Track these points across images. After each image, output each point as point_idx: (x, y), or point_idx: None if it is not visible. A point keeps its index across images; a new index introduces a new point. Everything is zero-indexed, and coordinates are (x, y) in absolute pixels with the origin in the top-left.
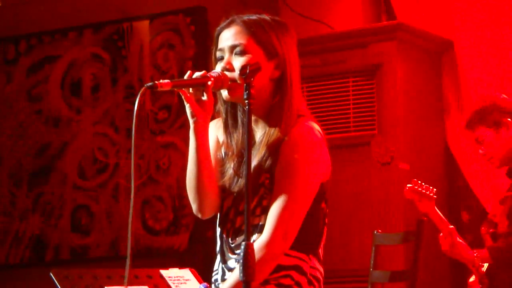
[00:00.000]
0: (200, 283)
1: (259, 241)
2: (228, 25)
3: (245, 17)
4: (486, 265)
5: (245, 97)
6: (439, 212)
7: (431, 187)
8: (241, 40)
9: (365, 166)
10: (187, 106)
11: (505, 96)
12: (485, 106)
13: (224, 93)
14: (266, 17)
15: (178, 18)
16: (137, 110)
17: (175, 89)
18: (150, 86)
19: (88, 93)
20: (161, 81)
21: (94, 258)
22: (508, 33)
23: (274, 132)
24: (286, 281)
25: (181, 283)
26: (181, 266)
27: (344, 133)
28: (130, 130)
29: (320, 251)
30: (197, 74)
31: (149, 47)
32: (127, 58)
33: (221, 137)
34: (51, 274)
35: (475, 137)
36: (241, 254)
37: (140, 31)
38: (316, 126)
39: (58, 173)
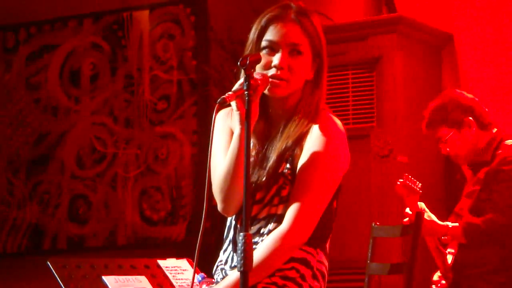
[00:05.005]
0: (197, 273)
1: (278, 231)
2: (284, 19)
3: (300, 14)
4: (450, 257)
5: (244, 88)
6: (420, 206)
7: (417, 182)
8: (300, 41)
9: (363, 158)
10: (237, 113)
11: (462, 92)
12: (444, 105)
13: (268, 89)
14: (313, 14)
15: (178, 8)
16: (213, 126)
17: (236, 100)
18: (222, 101)
19: (87, 82)
20: (227, 94)
21: (91, 247)
22: (508, 27)
23: (298, 124)
24: (291, 273)
25: (178, 273)
26: (178, 256)
27: (343, 125)
28: (128, 120)
29: (327, 245)
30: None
31: (149, 37)
32: (127, 48)
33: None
34: (49, 263)
35: (438, 137)
36: (239, 245)
37: (140, 21)
38: (338, 121)
39: (56, 162)
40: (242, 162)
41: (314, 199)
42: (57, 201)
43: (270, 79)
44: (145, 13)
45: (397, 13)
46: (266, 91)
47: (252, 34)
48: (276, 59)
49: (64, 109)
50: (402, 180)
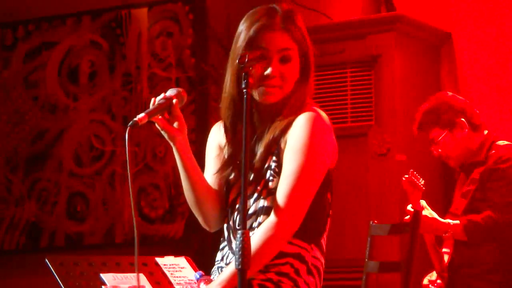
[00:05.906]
0: (195, 271)
1: (267, 222)
2: (272, 28)
3: (287, 20)
4: (446, 257)
5: (243, 86)
6: (421, 204)
7: (420, 178)
8: (290, 47)
9: (362, 157)
10: (163, 132)
11: (453, 94)
12: (436, 107)
13: (261, 97)
14: (297, 16)
15: (177, 6)
16: (128, 148)
17: (151, 119)
18: (133, 124)
19: (85, 80)
20: (138, 116)
21: (89, 245)
22: (507, 26)
23: (283, 117)
24: (285, 269)
25: (176, 271)
26: (176, 254)
27: (341, 124)
28: (126, 117)
29: (323, 241)
30: (158, 98)
31: (147, 35)
32: (125, 46)
33: (223, 139)
34: (47, 261)
35: (430, 139)
36: (237, 242)
37: (138, 18)
38: (322, 113)
39: (54, 160)
40: (192, 175)
41: (299, 188)
42: (55, 198)
43: (263, 87)
44: (144, 10)
45: (395, 11)
46: (257, 98)
47: (241, 42)
48: (268, 68)
49: (63, 106)
50: (407, 175)
